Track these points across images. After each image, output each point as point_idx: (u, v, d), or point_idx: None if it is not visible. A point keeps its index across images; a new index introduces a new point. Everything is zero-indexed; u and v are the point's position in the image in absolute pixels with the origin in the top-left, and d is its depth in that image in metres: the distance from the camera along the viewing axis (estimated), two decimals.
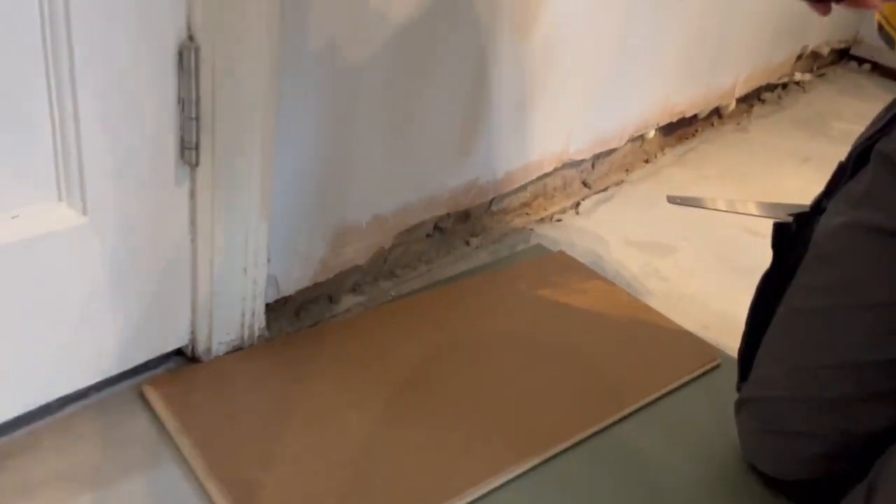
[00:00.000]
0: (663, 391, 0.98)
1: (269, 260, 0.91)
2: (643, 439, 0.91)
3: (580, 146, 1.37)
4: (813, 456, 0.81)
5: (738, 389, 0.89)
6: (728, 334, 1.08)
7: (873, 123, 0.76)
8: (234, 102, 0.77)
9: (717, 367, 1.04)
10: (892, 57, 2.24)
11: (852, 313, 0.76)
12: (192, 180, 0.81)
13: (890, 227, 0.60)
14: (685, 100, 1.61)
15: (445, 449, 0.85)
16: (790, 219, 0.84)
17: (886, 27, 0.81)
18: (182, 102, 0.75)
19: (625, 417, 0.94)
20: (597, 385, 0.97)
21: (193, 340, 0.91)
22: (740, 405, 0.88)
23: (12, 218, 0.70)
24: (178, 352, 0.92)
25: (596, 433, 0.91)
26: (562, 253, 1.24)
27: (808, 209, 0.83)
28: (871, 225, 0.73)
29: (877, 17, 0.82)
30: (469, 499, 0.80)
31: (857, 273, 0.75)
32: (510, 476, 0.83)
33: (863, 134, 0.76)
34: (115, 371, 0.85)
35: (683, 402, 0.98)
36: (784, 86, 2.07)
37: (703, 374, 1.03)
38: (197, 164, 0.79)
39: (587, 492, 0.84)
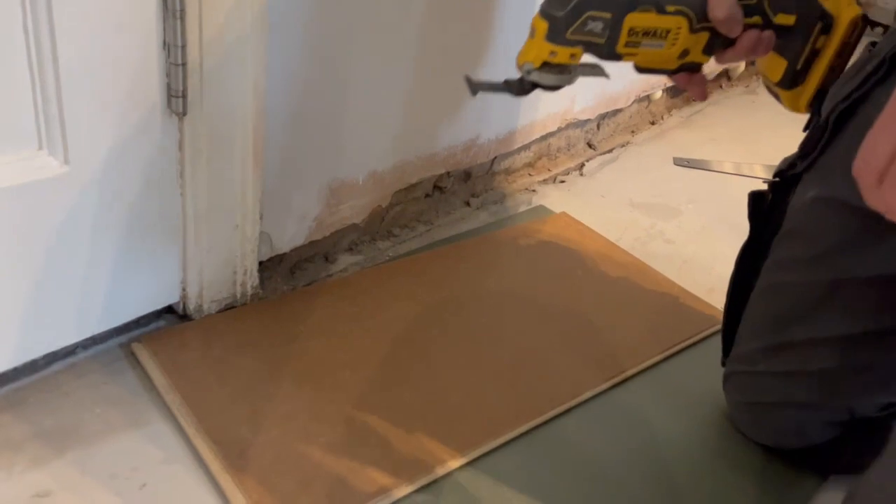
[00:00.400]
0: (664, 354, 0.96)
1: (261, 216, 0.88)
2: (643, 403, 0.89)
3: (585, 105, 1.33)
4: (796, 427, 0.82)
5: (723, 364, 0.87)
6: None
7: (847, 79, 0.73)
8: (222, 48, 0.74)
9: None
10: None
11: (825, 289, 0.74)
12: (180, 130, 0.78)
13: (859, 202, 0.57)
14: None
15: (441, 410, 0.83)
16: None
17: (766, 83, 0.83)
18: (168, 48, 0.72)
19: (625, 380, 0.92)
20: (597, 347, 0.95)
21: (184, 298, 0.88)
22: (725, 379, 0.88)
23: None
24: (170, 309, 0.90)
25: (595, 396, 0.89)
26: (564, 214, 1.21)
27: (784, 176, 0.80)
28: (842, 199, 0.71)
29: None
30: (465, 460, 0.78)
31: (830, 248, 0.74)
32: (507, 438, 0.81)
33: (837, 92, 0.74)
34: (102, 328, 0.83)
35: (684, 366, 0.96)
36: None
37: (706, 337, 1.01)
38: (184, 114, 0.76)
39: (585, 455, 0.82)
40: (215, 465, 0.73)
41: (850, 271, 0.73)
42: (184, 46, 0.72)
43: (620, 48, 0.74)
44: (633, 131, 1.52)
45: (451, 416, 0.83)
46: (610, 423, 0.86)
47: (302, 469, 0.74)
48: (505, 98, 1.16)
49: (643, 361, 0.94)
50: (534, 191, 1.29)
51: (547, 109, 1.25)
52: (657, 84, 1.50)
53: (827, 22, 0.75)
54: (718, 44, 0.74)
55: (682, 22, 0.73)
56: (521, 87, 0.79)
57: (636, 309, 1.03)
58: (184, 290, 0.88)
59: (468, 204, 1.21)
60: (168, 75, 0.74)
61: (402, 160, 1.05)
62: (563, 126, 1.32)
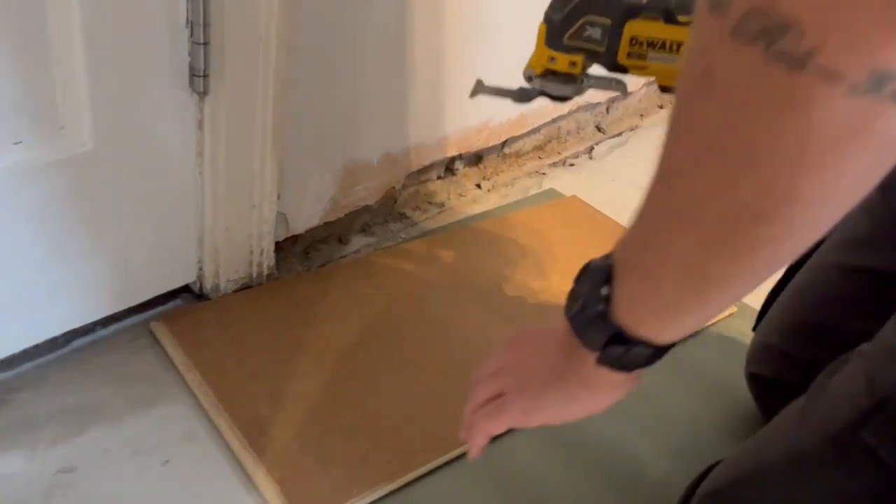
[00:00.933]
0: None
1: (279, 197, 0.88)
2: (654, 381, 0.90)
3: None
4: None
5: (753, 330, 0.88)
6: None
7: None
8: (245, 28, 0.74)
9: (733, 313, 1.02)
10: None
11: (841, 274, 0.73)
12: (201, 110, 0.78)
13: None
14: None
15: (456, 392, 0.84)
16: None
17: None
18: (191, 26, 0.72)
19: None
20: None
21: (201, 277, 0.89)
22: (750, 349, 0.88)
23: (14, 144, 0.67)
24: (186, 289, 0.90)
25: None
26: (575, 197, 1.22)
27: None
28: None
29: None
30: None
31: (856, 233, 0.72)
32: None
33: None
34: (122, 306, 0.83)
35: (696, 347, 0.96)
36: None
37: (718, 320, 1.01)
38: (206, 93, 0.76)
39: (597, 429, 0.83)
40: (236, 444, 0.74)
41: (865, 260, 0.72)
42: (207, 25, 0.72)
43: (622, 58, 0.69)
44: (641, 115, 1.52)
45: (465, 398, 0.83)
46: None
47: (322, 448, 0.75)
48: (518, 78, 1.16)
49: None
50: (544, 174, 1.29)
51: None
52: None
53: None
54: None
55: None
56: (523, 95, 0.76)
57: None
58: (200, 269, 0.88)
59: (479, 186, 1.22)
60: (191, 54, 0.73)
61: (416, 142, 1.05)
62: (573, 109, 1.32)
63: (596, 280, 0.47)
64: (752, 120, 0.34)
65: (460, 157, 1.16)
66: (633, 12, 0.66)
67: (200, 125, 0.78)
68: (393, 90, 0.98)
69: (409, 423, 0.79)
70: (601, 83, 0.72)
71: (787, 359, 0.81)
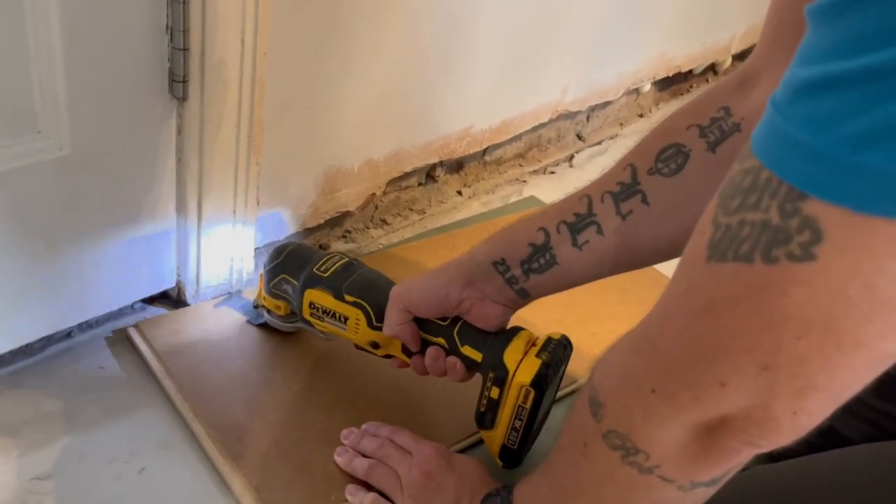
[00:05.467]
0: None
1: (258, 203, 0.88)
2: None
3: (576, 96, 1.34)
4: None
5: None
6: None
7: None
8: (225, 34, 0.74)
9: None
10: None
11: None
12: (180, 116, 0.77)
13: None
14: (683, 54, 1.58)
15: (436, 401, 0.84)
16: None
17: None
18: (171, 32, 0.72)
19: None
20: (589, 339, 0.96)
21: (180, 284, 0.88)
22: None
23: None
24: (164, 295, 0.90)
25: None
26: None
27: None
28: None
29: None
30: (469, 443, 0.79)
31: None
32: None
33: None
34: (98, 312, 0.83)
35: None
36: None
37: None
38: (185, 99, 0.76)
39: None
40: (213, 450, 0.74)
41: None
42: (186, 31, 0.72)
43: (306, 315, 0.78)
44: (621, 124, 1.53)
45: (451, 401, 0.83)
46: None
47: (300, 454, 0.75)
48: (499, 87, 1.17)
49: None
50: (524, 181, 1.30)
51: (539, 99, 1.26)
52: (646, 77, 1.51)
53: (499, 374, 0.69)
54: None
55: (360, 315, 0.74)
56: (257, 315, 0.87)
57: (629, 301, 1.04)
58: (179, 275, 0.88)
59: (460, 193, 1.22)
60: (170, 60, 0.73)
61: (398, 148, 1.06)
62: (553, 117, 1.33)
63: None
64: (611, 493, 0.51)
65: (441, 163, 1.17)
66: (312, 283, 0.76)
67: (180, 130, 0.78)
68: (374, 96, 0.98)
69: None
70: (310, 328, 0.81)
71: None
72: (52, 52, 0.65)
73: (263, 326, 0.86)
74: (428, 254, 1.06)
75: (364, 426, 0.76)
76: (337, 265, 0.77)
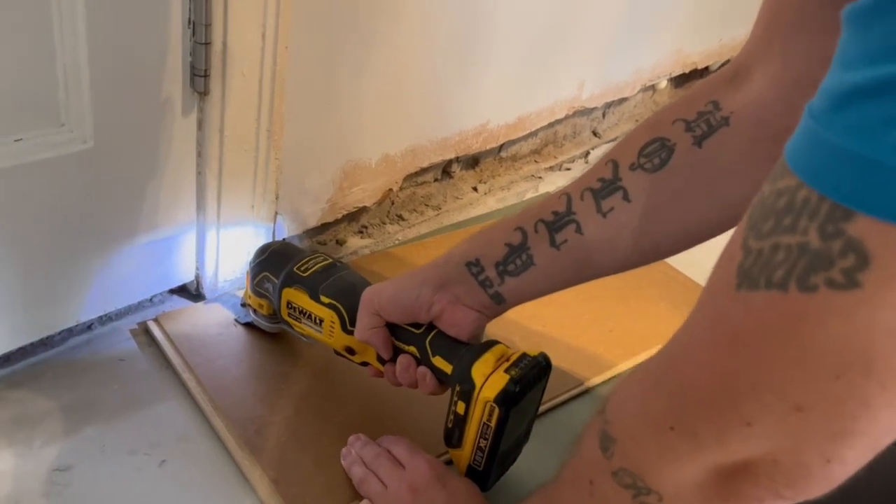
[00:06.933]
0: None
1: (277, 197, 0.88)
2: None
3: (593, 93, 1.34)
4: None
5: None
6: None
7: None
8: (247, 28, 0.74)
9: None
10: None
11: None
12: (201, 110, 0.78)
13: None
14: (699, 50, 1.57)
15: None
16: None
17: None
18: (193, 26, 0.72)
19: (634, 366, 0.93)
20: (606, 335, 0.96)
21: (199, 277, 0.89)
22: None
23: (15, 141, 0.67)
24: (183, 288, 0.90)
25: (604, 383, 0.90)
26: None
27: None
28: None
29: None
30: None
31: None
32: None
33: None
34: (119, 305, 0.83)
35: None
36: None
37: None
38: (206, 93, 0.76)
39: None
40: (232, 444, 0.74)
41: None
42: (208, 25, 0.72)
43: (284, 315, 0.77)
44: (637, 120, 1.53)
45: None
46: None
47: (318, 447, 0.75)
48: (516, 82, 1.17)
49: (650, 349, 0.95)
50: (540, 178, 1.30)
51: (556, 95, 1.26)
52: (663, 73, 1.50)
53: (465, 388, 0.65)
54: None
55: (334, 317, 0.73)
56: (244, 314, 0.86)
57: (645, 298, 1.04)
58: (198, 269, 0.88)
59: (475, 189, 1.22)
60: (192, 54, 0.74)
61: (415, 143, 1.06)
62: (569, 113, 1.33)
63: None
64: None
65: (457, 159, 1.17)
66: (290, 282, 0.75)
67: (200, 124, 0.79)
68: (392, 90, 0.98)
69: (406, 423, 0.79)
70: (289, 329, 0.80)
71: None
72: (78, 44, 0.66)
73: (250, 326, 0.85)
74: (445, 249, 1.06)
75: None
76: (318, 265, 0.76)
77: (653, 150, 0.59)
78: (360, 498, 0.70)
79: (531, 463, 0.77)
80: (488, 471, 0.68)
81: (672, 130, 0.59)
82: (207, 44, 0.73)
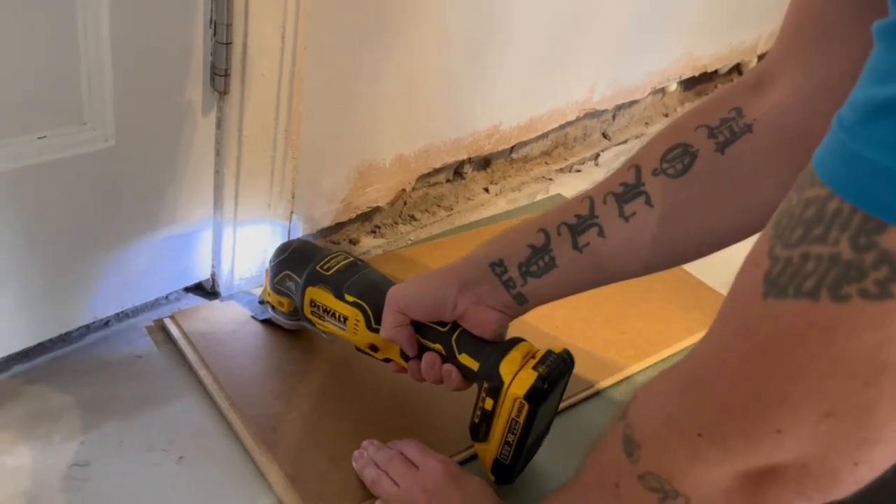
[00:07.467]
0: (684, 345, 0.97)
1: (293, 197, 0.89)
2: None
3: (604, 95, 1.34)
4: None
5: None
6: None
7: None
8: (267, 28, 0.75)
9: None
10: None
11: None
12: (220, 109, 0.78)
13: None
14: (709, 53, 1.58)
15: (470, 391, 0.84)
16: None
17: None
18: (214, 26, 0.73)
19: (645, 369, 0.93)
20: (617, 337, 0.97)
21: (214, 275, 0.89)
22: None
23: (38, 139, 0.68)
24: (198, 286, 0.91)
25: (616, 384, 0.90)
26: None
27: None
28: None
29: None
30: None
31: None
32: None
33: None
34: (135, 302, 0.84)
35: None
36: None
37: None
38: (226, 92, 0.77)
39: None
40: (249, 441, 0.74)
41: None
42: (229, 25, 0.73)
43: (307, 313, 0.78)
44: (646, 123, 1.53)
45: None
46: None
47: (335, 445, 0.75)
48: (530, 84, 1.17)
49: (663, 350, 0.96)
50: (551, 179, 1.30)
51: (567, 97, 1.26)
52: (673, 76, 1.51)
53: (494, 385, 0.67)
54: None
55: (359, 315, 0.74)
56: (262, 311, 0.86)
57: (656, 300, 1.04)
58: (214, 267, 0.89)
59: (487, 191, 1.22)
60: (212, 53, 0.74)
61: (429, 144, 1.06)
62: (580, 115, 1.33)
63: None
64: None
65: (469, 160, 1.17)
66: (314, 281, 0.76)
67: (219, 124, 0.79)
68: (407, 91, 0.98)
69: (423, 421, 0.80)
70: (311, 326, 0.81)
71: None
72: (101, 43, 0.66)
73: (267, 322, 0.86)
74: (459, 249, 1.06)
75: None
76: (340, 264, 0.77)
77: (675, 156, 0.60)
78: (375, 498, 0.71)
79: (544, 464, 0.78)
80: (514, 464, 0.70)
81: (695, 136, 0.60)
82: (228, 43, 0.73)
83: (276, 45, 0.76)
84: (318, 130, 0.89)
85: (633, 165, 0.62)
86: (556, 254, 0.65)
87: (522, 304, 0.67)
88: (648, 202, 0.61)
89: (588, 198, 0.64)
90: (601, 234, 0.63)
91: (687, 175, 0.60)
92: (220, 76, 0.75)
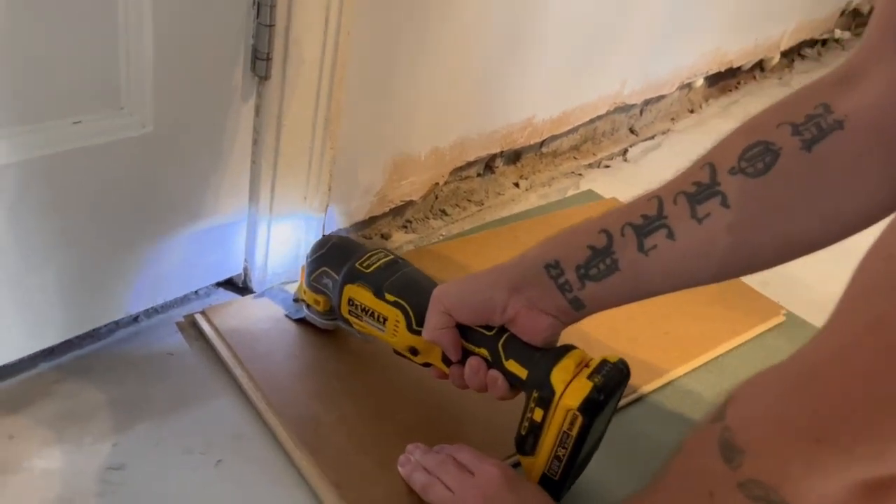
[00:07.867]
0: (729, 346, 0.94)
1: (329, 189, 0.85)
2: (707, 394, 0.88)
3: (633, 89, 1.31)
4: None
5: None
6: (788, 291, 1.04)
7: None
8: (311, 12, 0.71)
9: (782, 322, 1.00)
10: None
11: None
12: (259, 95, 0.75)
13: None
14: (736, 49, 1.55)
15: (513, 405, 0.81)
16: None
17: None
18: (258, 7, 0.69)
19: (689, 371, 0.90)
20: (661, 338, 0.93)
21: (247, 270, 0.86)
22: None
23: (74, 124, 0.64)
24: (229, 282, 0.87)
25: (661, 387, 0.87)
26: (615, 199, 1.19)
27: None
28: None
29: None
30: None
31: None
32: None
33: None
34: (167, 298, 0.80)
35: (749, 357, 0.94)
36: (824, 42, 2.00)
37: (768, 329, 0.99)
38: (267, 77, 0.73)
39: (649, 443, 0.80)
40: (290, 444, 0.71)
41: None
42: (273, 6, 0.69)
43: (344, 312, 0.74)
44: (673, 119, 1.50)
45: (520, 403, 0.80)
46: (674, 412, 0.84)
47: (379, 447, 0.72)
48: (563, 77, 1.14)
49: (707, 352, 0.93)
50: (580, 174, 1.27)
51: (599, 91, 1.23)
52: (700, 71, 1.48)
53: (544, 395, 0.63)
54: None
55: (399, 316, 0.70)
56: (296, 310, 0.83)
57: (695, 299, 1.01)
58: (247, 261, 0.85)
59: (517, 185, 1.19)
60: (254, 36, 0.71)
61: (464, 136, 1.03)
62: (610, 109, 1.30)
63: None
64: None
65: (501, 154, 1.14)
66: (353, 278, 0.72)
67: (258, 111, 0.76)
68: (445, 82, 0.95)
69: (466, 426, 0.76)
70: (347, 326, 0.77)
71: None
72: (143, 26, 0.63)
73: (301, 322, 0.82)
74: (491, 246, 1.03)
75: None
76: (380, 262, 0.73)
77: (755, 154, 0.56)
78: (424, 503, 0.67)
79: (593, 472, 0.74)
80: (563, 480, 0.65)
81: (777, 134, 0.55)
82: (272, 26, 0.70)
83: (319, 28, 0.73)
84: (357, 120, 0.86)
85: (707, 164, 0.58)
86: (619, 256, 0.60)
87: (579, 309, 0.63)
88: (724, 203, 0.56)
89: (656, 197, 0.59)
90: (670, 235, 0.58)
91: (768, 174, 0.55)
92: (261, 60, 0.71)
